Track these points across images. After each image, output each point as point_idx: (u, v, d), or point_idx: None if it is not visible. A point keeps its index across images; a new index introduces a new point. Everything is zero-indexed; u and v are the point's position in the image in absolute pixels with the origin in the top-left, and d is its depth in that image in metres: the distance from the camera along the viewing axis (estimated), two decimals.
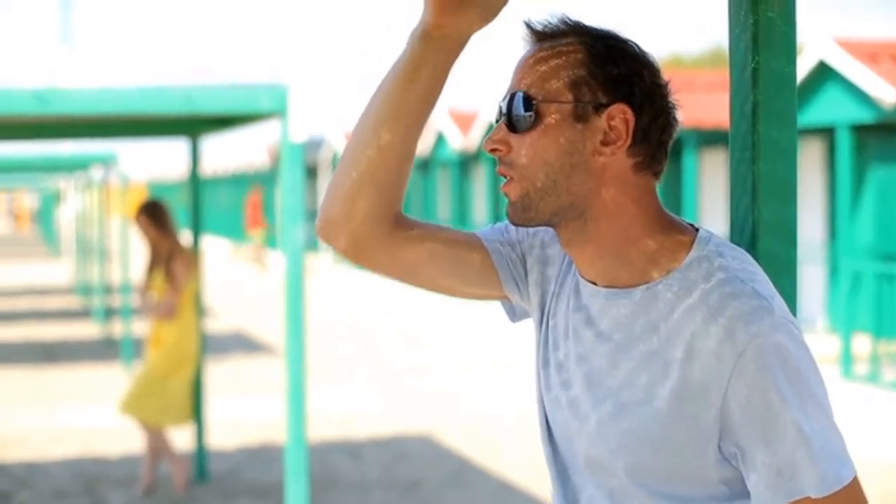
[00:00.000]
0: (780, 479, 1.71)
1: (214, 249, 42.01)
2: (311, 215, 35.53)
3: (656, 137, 1.84)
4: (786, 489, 1.71)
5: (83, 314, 21.35)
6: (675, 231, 1.86)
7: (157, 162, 54.32)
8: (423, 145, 25.65)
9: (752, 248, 1.95)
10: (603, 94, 1.81)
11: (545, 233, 2.04)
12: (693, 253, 1.82)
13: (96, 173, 19.35)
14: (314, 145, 34.71)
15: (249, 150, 41.29)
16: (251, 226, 33.74)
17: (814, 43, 13.96)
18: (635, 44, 1.86)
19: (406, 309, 22.09)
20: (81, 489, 8.80)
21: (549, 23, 1.87)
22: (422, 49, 1.85)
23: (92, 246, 22.15)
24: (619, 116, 1.81)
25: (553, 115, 1.82)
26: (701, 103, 15.67)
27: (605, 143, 1.82)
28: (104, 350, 16.56)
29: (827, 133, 15.45)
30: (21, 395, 12.99)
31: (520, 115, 1.83)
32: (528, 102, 1.83)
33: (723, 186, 17.59)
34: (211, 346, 15.32)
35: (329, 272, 29.99)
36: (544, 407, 1.99)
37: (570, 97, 1.82)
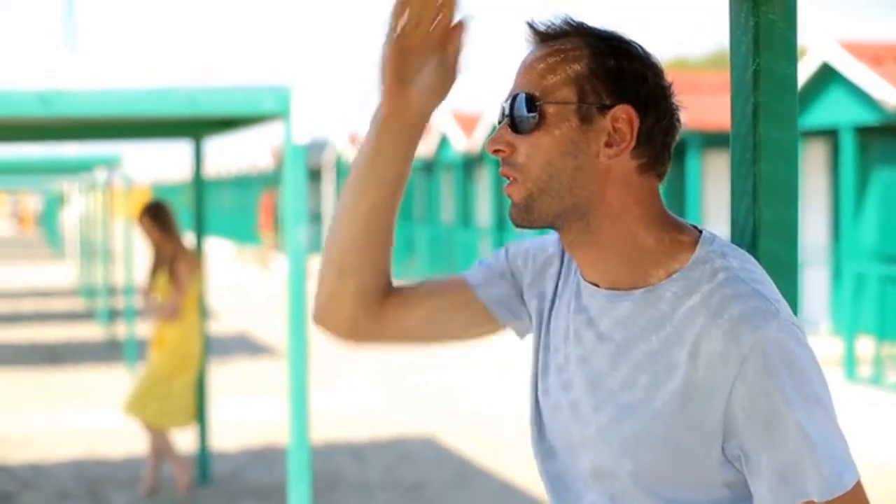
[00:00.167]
0: (784, 483, 1.70)
1: (218, 251, 42.02)
2: (314, 217, 35.56)
3: (660, 139, 1.83)
4: (789, 492, 1.70)
5: (87, 316, 21.37)
6: (678, 232, 1.84)
7: (161, 164, 54.35)
8: (427, 147, 25.65)
9: (753, 249, 1.95)
10: (607, 95, 1.80)
11: (538, 247, 2.04)
12: (696, 254, 1.81)
13: (100, 175, 19.36)
14: (318, 147, 34.71)
15: (253, 151, 41.32)
16: (264, 228, 33.80)
17: (818, 45, 13.96)
18: (639, 45, 1.85)
19: None
20: (84, 490, 8.80)
21: (553, 23, 1.86)
22: (382, 134, 1.92)
23: (96, 248, 22.16)
24: (624, 118, 1.80)
25: (557, 117, 1.81)
26: (705, 105, 15.66)
27: (609, 145, 1.81)
28: (108, 352, 16.57)
29: (831, 135, 15.44)
30: (25, 396, 13.00)
31: (523, 115, 1.82)
32: (532, 103, 1.82)
33: (726, 188, 17.57)
34: (214, 347, 15.33)
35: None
36: (540, 417, 1.97)
37: (574, 98, 1.81)
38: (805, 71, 14.01)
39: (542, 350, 1.99)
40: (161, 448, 8.52)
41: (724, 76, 18.39)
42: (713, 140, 16.33)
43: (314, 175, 36.42)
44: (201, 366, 8.78)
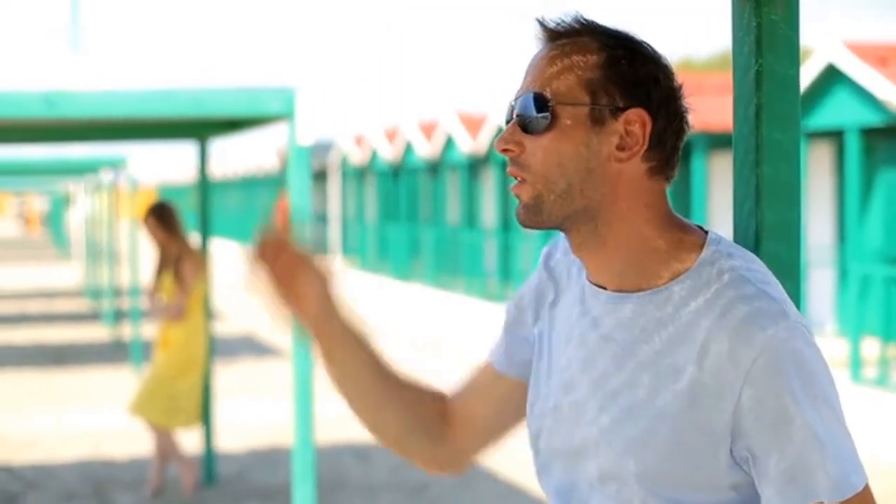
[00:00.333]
0: (793, 484, 1.69)
1: (224, 252, 42.05)
2: (319, 218, 35.57)
3: (671, 142, 1.81)
4: (798, 493, 1.69)
5: (93, 317, 21.39)
6: (685, 233, 1.83)
7: (167, 165, 54.41)
8: (433, 148, 25.66)
9: (755, 251, 1.94)
10: (620, 97, 1.78)
11: (528, 287, 2.04)
12: (703, 255, 1.80)
13: (106, 176, 19.39)
14: (323, 148, 34.73)
15: (259, 153, 41.35)
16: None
17: (823, 46, 13.95)
18: (650, 45, 1.83)
19: (419, 313, 22.09)
20: (90, 491, 8.81)
21: (563, 21, 1.83)
22: (316, 343, 2.03)
23: (101, 249, 22.18)
24: (637, 121, 1.78)
25: (569, 118, 1.78)
26: (710, 106, 15.62)
27: (620, 148, 1.79)
28: (113, 353, 16.59)
29: (836, 136, 15.43)
30: (30, 397, 13.02)
31: (534, 116, 1.80)
32: (544, 103, 1.79)
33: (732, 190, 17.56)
34: (220, 348, 15.34)
35: (338, 275, 29.95)
36: (538, 424, 1.95)
37: (586, 100, 1.78)
38: (810, 72, 14.01)
39: (538, 357, 1.97)
40: (166, 449, 8.52)
41: (730, 77, 18.36)
42: (719, 141, 16.32)
43: (320, 176, 36.44)
44: (207, 367, 8.79)
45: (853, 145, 13.13)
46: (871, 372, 12.05)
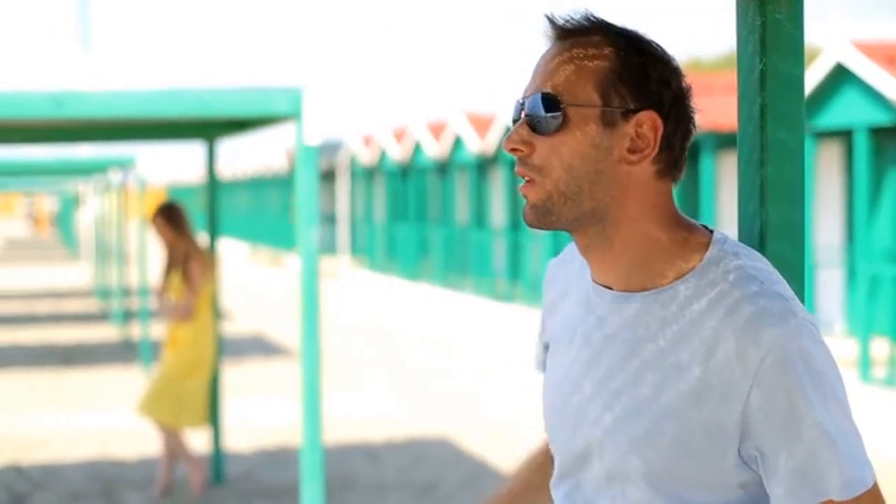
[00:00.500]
0: (804, 482, 1.69)
1: (232, 252, 42.08)
2: (327, 218, 35.59)
3: (679, 144, 1.80)
4: (808, 492, 1.69)
5: (102, 317, 21.42)
6: (690, 233, 1.82)
7: (176, 165, 54.41)
8: (441, 148, 25.66)
9: (760, 250, 1.93)
10: (632, 99, 1.77)
11: (545, 309, 2.06)
12: (709, 254, 1.79)
13: (114, 177, 19.41)
14: (332, 148, 34.74)
15: (268, 153, 41.37)
16: None
17: (831, 45, 13.93)
18: (660, 46, 1.81)
19: (428, 313, 22.10)
20: (98, 491, 8.83)
21: (573, 19, 1.81)
22: None
23: (110, 249, 22.21)
24: (648, 124, 1.77)
25: (579, 119, 1.77)
26: (718, 106, 15.62)
27: (631, 151, 1.78)
28: (122, 353, 16.61)
29: (844, 136, 15.40)
30: (40, 397, 13.04)
31: (544, 116, 1.78)
32: (554, 104, 1.77)
33: None
34: (228, 348, 15.35)
35: (347, 274, 30.02)
36: (547, 426, 1.95)
37: (598, 101, 1.77)
38: (819, 72, 13.99)
39: (549, 359, 1.97)
40: (175, 448, 8.54)
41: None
42: (727, 141, 16.30)
43: (328, 176, 36.45)
44: (215, 366, 8.80)
45: (862, 145, 13.10)
46: (880, 372, 12.02)
